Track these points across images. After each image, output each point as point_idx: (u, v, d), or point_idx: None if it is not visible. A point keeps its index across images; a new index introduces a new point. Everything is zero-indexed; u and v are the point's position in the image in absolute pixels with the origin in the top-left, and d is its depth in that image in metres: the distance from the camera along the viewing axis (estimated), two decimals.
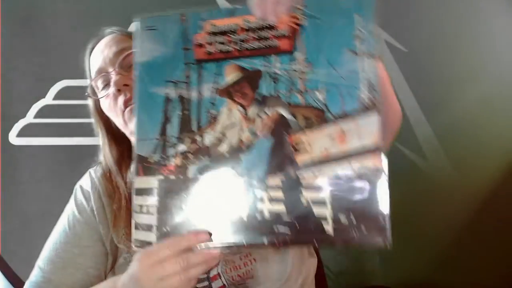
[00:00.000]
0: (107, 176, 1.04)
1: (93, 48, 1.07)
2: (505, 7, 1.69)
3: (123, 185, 1.00)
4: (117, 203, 0.99)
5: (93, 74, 1.03)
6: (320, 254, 1.26)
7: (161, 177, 0.75)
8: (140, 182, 0.76)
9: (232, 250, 0.89)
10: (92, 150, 1.69)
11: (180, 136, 0.76)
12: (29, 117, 1.71)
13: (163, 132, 0.77)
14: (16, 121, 1.72)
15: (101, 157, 1.08)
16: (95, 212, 1.01)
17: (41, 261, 1.01)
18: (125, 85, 0.96)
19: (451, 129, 1.72)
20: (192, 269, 0.71)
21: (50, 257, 1.00)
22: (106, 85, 1.00)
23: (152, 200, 0.75)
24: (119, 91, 0.96)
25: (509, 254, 1.70)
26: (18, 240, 1.72)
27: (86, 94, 1.06)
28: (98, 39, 1.07)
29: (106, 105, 1.00)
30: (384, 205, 0.69)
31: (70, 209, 1.06)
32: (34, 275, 0.99)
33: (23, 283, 1.00)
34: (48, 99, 1.71)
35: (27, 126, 1.72)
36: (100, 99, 1.02)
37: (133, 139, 1.01)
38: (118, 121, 1.00)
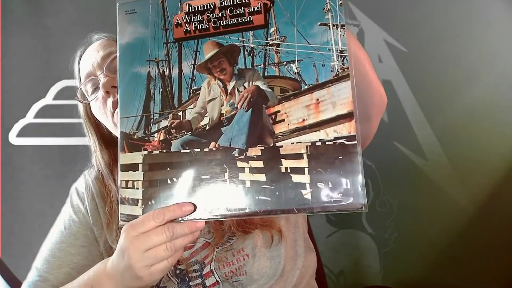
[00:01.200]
0: (100, 179, 1.05)
1: (81, 55, 1.08)
2: (505, 7, 1.69)
3: (114, 188, 1.00)
4: (109, 206, 1.00)
5: (82, 79, 1.04)
6: (319, 254, 1.25)
7: (145, 152, 0.77)
8: (125, 158, 0.78)
9: (216, 220, 0.91)
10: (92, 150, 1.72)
11: (162, 112, 0.78)
12: (29, 117, 1.72)
13: (146, 109, 0.79)
14: (16, 121, 1.72)
15: (93, 161, 1.09)
16: (89, 213, 1.02)
17: (38, 261, 1.02)
18: (113, 86, 0.95)
19: (451, 129, 1.71)
20: (178, 240, 0.73)
21: (46, 257, 1.01)
22: (96, 88, 1.00)
23: (137, 175, 0.76)
24: (107, 93, 0.96)
25: (510, 254, 1.68)
26: (18, 240, 1.72)
27: (76, 98, 1.05)
28: (86, 46, 1.08)
29: (96, 108, 1.00)
30: (358, 169, 0.69)
31: (66, 211, 1.08)
32: (31, 276, 1.01)
33: (21, 284, 1.00)
34: (48, 99, 1.72)
35: (27, 126, 1.72)
36: (90, 103, 1.02)
37: None
38: (108, 123, 1.00)
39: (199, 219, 0.73)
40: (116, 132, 0.99)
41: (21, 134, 1.72)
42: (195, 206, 0.73)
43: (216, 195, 0.73)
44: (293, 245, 1.02)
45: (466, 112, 1.71)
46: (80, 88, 1.03)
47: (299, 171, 0.71)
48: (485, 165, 1.70)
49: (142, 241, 0.71)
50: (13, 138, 1.72)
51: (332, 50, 0.73)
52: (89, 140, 1.09)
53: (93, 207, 1.03)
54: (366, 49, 1.71)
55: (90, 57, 1.03)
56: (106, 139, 1.07)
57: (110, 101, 0.96)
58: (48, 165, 1.74)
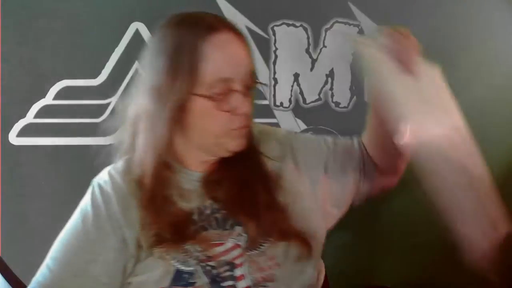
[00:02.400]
0: (139, 176, 0.99)
1: (210, 34, 0.92)
2: (505, 7, 1.69)
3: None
4: (151, 205, 0.96)
5: (212, 69, 0.90)
6: None
7: None
8: None
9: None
10: (92, 150, 1.71)
11: None
12: (29, 117, 1.72)
13: None
14: (16, 121, 1.72)
15: (139, 154, 1.00)
16: (118, 216, 0.96)
17: (52, 261, 0.98)
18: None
19: None
20: None
21: (60, 259, 0.98)
22: (225, 93, 0.92)
23: None
24: (243, 114, 0.94)
25: (510, 254, 1.68)
26: (18, 240, 1.72)
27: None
28: (219, 30, 0.93)
29: (213, 112, 0.92)
30: None
31: (85, 209, 1.00)
32: (43, 276, 0.97)
33: (22, 284, 0.99)
34: (48, 99, 1.72)
35: (27, 126, 1.72)
36: (204, 103, 0.92)
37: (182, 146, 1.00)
38: (214, 130, 0.95)
39: None
40: (215, 140, 0.96)
41: (21, 134, 1.72)
42: None
43: None
44: (317, 264, 1.06)
45: (466, 112, 1.70)
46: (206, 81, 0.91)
47: None
48: (485, 165, 1.70)
49: None
50: (13, 138, 1.72)
51: None
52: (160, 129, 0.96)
53: (124, 207, 0.97)
54: None
55: (233, 58, 0.93)
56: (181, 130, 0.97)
57: (238, 120, 0.94)
58: (48, 165, 1.73)
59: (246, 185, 1.00)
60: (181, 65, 0.91)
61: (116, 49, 1.72)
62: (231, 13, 1.70)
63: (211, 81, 0.90)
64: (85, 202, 1.02)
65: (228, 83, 0.91)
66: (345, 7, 1.70)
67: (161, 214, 0.94)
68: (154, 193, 0.96)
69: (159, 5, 1.71)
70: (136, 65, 1.71)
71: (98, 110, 1.73)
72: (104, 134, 1.65)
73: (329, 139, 1.17)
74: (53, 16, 1.72)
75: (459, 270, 1.70)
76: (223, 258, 0.95)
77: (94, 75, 1.73)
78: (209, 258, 0.94)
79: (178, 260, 0.92)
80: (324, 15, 1.71)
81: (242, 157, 1.00)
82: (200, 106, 0.92)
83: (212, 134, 0.95)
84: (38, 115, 1.72)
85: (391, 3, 1.70)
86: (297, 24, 1.71)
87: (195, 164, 1.02)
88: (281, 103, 1.73)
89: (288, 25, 1.71)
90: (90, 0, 1.73)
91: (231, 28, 0.95)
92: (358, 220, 1.75)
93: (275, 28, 1.72)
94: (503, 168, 1.70)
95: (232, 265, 0.95)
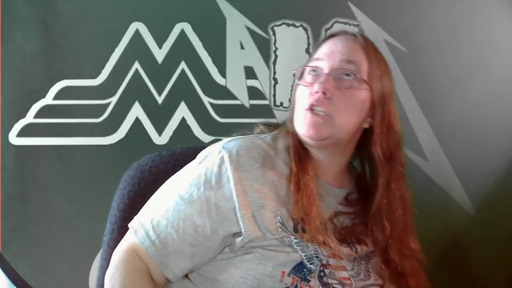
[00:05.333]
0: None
1: (331, 36, 1.08)
2: (505, 7, 1.69)
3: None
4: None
5: (316, 57, 1.05)
6: None
7: None
8: None
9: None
10: (92, 150, 1.72)
11: None
12: (29, 117, 1.72)
13: None
14: (16, 121, 1.72)
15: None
16: (243, 189, 0.93)
17: (158, 228, 0.94)
18: (325, 93, 0.96)
19: (451, 129, 1.71)
20: None
21: (168, 233, 0.94)
22: (313, 71, 1.02)
23: None
24: (316, 93, 0.97)
25: (510, 254, 1.68)
26: (18, 240, 1.72)
27: (297, 75, 1.06)
28: (342, 33, 1.08)
29: (299, 90, 1.03)
30: None
31: (209, 179, 0.95)
32: (144, 238, 0.95)
33: (24, 281, 0.98)
34: (48, 99, 1.72)
35: (27, 126, 1.72)
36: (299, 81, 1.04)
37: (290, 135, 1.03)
38: (296, 108, 1.02)
39: None
40: (290, 120, 1.04)
41: (21, 134, 1.72)
42: None
43: None
44: None
45: (466, 112, 1.71)
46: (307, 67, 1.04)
47: None
48: (485, 165, 1.70)
49: None
50: (13, 138, 1.72)
51: None
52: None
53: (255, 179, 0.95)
54: None
55: (332, 49, 1.03)
56: None
57: (310, 99, 0.97)
58: (48, 165, 1.73)
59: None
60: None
61: (116, 49, 1.72)
62: (231, 13, 1.70)
63: (310, 61, 1.04)
64: (211, 170, 0.96)
65: (319, 63, 1.01)
66: (345, 7, 1.70)
67: (310, 200, 0.95)
68: (298, 176, 0.97)
69: (159, 5, 1.71)
70: (136, 65, 1.72)
71: (98, 110, 1.73)
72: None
73: None
74: (53, 16, 1.72)
75: (459, 269, 1.72)
76: (336, 272, 0.96)
77: (94, 75, 1.73)
78: (329, 266, 0.95)
79: (306, 254, 0.94)
80: (324, 15, 1.71)
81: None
82: (297, 86, 1.05)
83: (295, 113, 1.02)
84: (38, 115, 1.72)
85: (391, 3, 1.70)
86: (297, 24, 1.71)
87: (327, 175, 1.06)
88: (281, 103, 1.72)
89: (288, 25, 1.71)
90: (90, 0, 1.73)
91: (348, 33, 1.08)
92: None
93: (275, 28, 1.71)
94: (504, 167, 1.70)
95: (342, 284, 0.96)
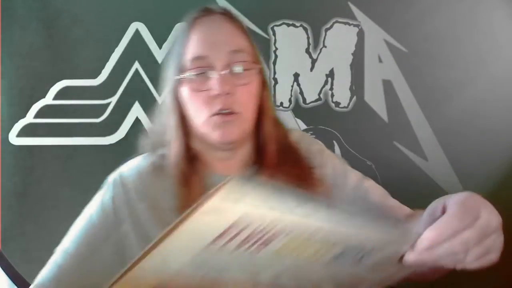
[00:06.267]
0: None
1: (195, 18, 0.96)
2: (505, 7, 1.69)
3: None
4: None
5: (189, 49, 0.92)
6: None
7: None
8: None
9: None
10: (92, 150, 1.72)
11: None
12: (29, 117, 1.72)
13: None
14: (16, 121, 1.72)
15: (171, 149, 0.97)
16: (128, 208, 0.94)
17: (61, 247, 0.97)
18: (228, 93, 0.89)
19: (451, 129, 1.71)
20: None
21: (66, 249, 0.97)
22: (203, 73, 0.90)
23: None
24: (219, 95, 0.89)
25: (509, 253, 1.68)
26: (18, 239, 1.72)
27: (174, 72, 0.94)
28: (206, 13, 0.96)
29: (194, 96, 0.92)
30: None
31: (95, 202, 1.00)
32: (57, 257, 0.96)
33: (23, 280, 0.98)
34: (48, 99, 1.72)
35: (27, 126, 1.72)
36: (185, 85, 0.92)
37: (198, 145, 0.96)
38: (197, 116, 0.92)
39: None
40: (197, 129, 0.93)
41: (21, 134, 1.72)
42: None
43: None
44: None
45: (466, 112, 1.71)
46: (183, 61, 0.93)
47: None
48: (485, 165, 1.70)
49: None
50: (13, 138, 1.72)
51: None
52: (174, 120, 0.96)
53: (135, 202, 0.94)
54: (366, 49, 1.72)
55: (213, 36, 0.92)
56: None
57: (218, 102, 0.89)
58: (48, 165, 1.73)
59: None
60: (172, 52, 0.96)
61: (116, 49, 1.72)
62: None
63: (188, 61, 0.91)
64: (97, 196, 1.00)
65: (204, 61, 0.90)
66: (345, 7, 1.70)
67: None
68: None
69: (159, 5, 1.71)
70: (136, 65, 1.72)
71: (98, 110, 1.73)
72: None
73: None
74: (53, 16, 1.72)
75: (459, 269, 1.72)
76: None
77: (94, 75, 1.73)
78: None
79: None
80: (324, 15, 1.71)
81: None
82: (184, 91, 0.93)
83: (196, 121, 0.92)
84: (38, 115, 1.72)
85: (391, 3, 1.70)
86: (297, 24, 1.71)
87: (218, 166, 0.98)
88: (281, 103, 1.72)
89: (288, 25, 1.71)
90: (90, 0, 1.73)
91: (219, 11, 0.96)
92: None
93: (275, 28, 1.72)
94: (504, 167, 1.70)
95: None
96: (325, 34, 1.71)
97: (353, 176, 1.03)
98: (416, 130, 1.71)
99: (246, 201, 0.51)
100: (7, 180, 1.72)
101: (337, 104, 1.72)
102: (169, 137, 0.96)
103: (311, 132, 1.71)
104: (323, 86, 1.72)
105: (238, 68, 0.91)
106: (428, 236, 0.61)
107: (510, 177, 1.68)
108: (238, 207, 0.51)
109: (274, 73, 1.72)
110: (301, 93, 1.73)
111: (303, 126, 1.73)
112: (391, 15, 1.70)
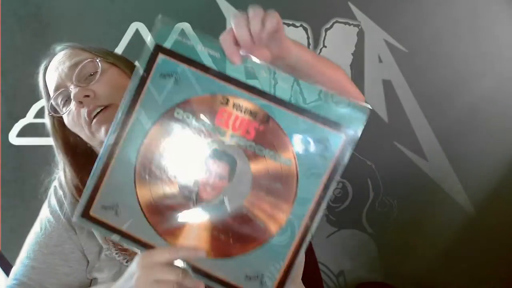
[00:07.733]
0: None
1: (46, 67, 1.07)
2: (505, 7, 1.69)
3: None
4: None
5: (51, 93, 1.03)
6: (315, 254, 1.25)
7: None
8: None
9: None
10: None
11: None
12: (29, 117, 1.72)
13: None
14: (16, 121, 1.72)
15: (61, 178, 1.11)
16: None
17: (15, 265, 1.06)
18: (86, 96, 0.94)
19: (451, 129, 1.71)
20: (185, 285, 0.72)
21: (22, 260, 1.06)
22: (67, 101, 0.99)
23: None
24: (80, 103, 0.94)
25: (509, 253, 1.69)
26: (18, 239, 1.72)
27: (48, 114, 1.04)
28: (51, 58, 1.07)
29: (70, 121, 0.99)
30: None
31: (43, 211, 1.14)
32: (9, 279, 1.03)
33: None
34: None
35: (27, 126, 1.72)
36: (63, 117, 1.01)
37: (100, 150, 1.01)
38: (84, 134, 0.99)
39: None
40: (93, 141, 1.00)
41: (21, 134, 1.72)
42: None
43: None
44: None
45: (466, 112, 1.71)
46: (51, 103, 1.02)
47: None
48: (485, 165, 1.71)
49: (154, 272, 0.71)
50: (13, 138, 1.72)
51: None
52: (61, 155, 1.08)
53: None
54: (366, 49, 1.71)
55: (56, 69, 1.02)
56: (76, 156, 1.06)
57: (84, 111, 0.95)
58: (48, 165, 1.73)
59: None
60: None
61: (116, 49, 1.72)
62: (231, 13, 1.70)
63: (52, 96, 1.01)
64: (43, 205, 1.16)
65: (56, 91, 1.00)
66: (345, 7, 1.70)
67: None
68: None
69: (159, 5, 1.71)
70: (135, 65, 1.71)
71: None
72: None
73: None
74: (54, 16, 1.72)
75: (459, 269, 1.73)
76: None
77: None
78: None
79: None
80: (324, 15, 1.71)
81: None
82: (64, 121, 1.01)
83: (82, 136, 1.00)
84: (38, 115, 1.72)
85: (391, 3, 1.70)
86: (297, 24, 1.71)
87: None
88: None
89: (288, 25, 1.71)
90: (90, 0, 1.73)
91: (63, 48, 1.08)
92: (358, 220, 1.76)
93: None
94: (504, 167, 1.70)
95: None
96: (325, 34, 1.71)
97: None
98: (416, 130, 1.71)
99: None
100: (7, 180, 1.72)
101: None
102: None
103: None
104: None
105: (85, 73, 0.98)
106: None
107: (510, 177, 1.69)
108: None
109: (274, 73, 1.72)
110: (301, 93, 1.72)
111: None
112: (391, 15, 1.70)
